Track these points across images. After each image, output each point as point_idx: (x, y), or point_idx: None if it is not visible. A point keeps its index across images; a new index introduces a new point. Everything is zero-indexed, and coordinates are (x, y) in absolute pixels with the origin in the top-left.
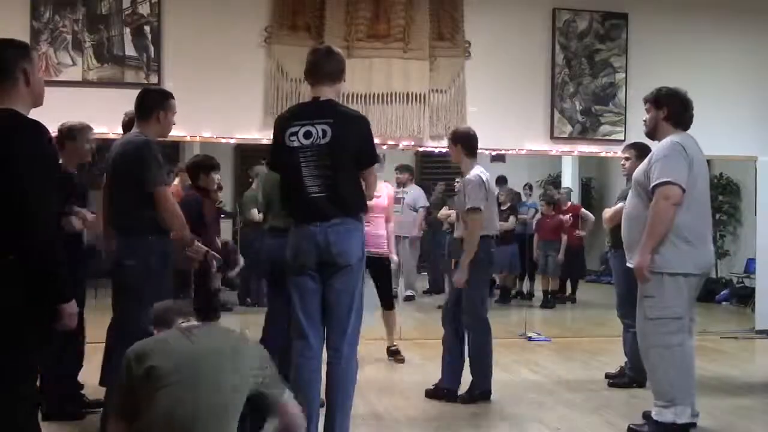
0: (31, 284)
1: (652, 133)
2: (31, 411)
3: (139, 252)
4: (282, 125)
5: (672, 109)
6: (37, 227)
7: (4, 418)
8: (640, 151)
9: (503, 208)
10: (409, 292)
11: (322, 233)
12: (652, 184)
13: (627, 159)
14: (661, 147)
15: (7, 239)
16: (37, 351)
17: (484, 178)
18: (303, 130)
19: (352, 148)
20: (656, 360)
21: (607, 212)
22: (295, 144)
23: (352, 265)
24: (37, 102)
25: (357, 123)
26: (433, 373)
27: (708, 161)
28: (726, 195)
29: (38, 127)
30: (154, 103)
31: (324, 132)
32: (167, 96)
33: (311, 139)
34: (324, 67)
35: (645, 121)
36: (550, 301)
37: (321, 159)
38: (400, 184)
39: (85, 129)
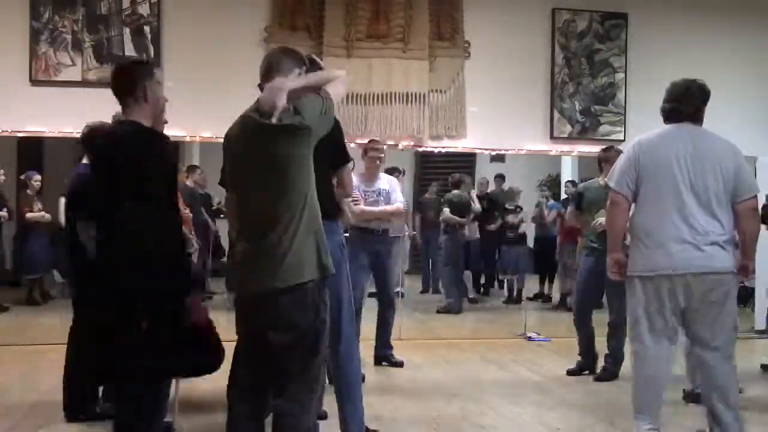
0: (158, 283)
1: None
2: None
3: None
4: None
5: (661, 106)
6: (166, 230)
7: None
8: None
9: (509, 207)
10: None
11: None
12: None
13: None
14: None
15: (135, 241)
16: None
17: None
18: None
19: (324, 149)
20: None
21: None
22: None
23: None
24: (158, 118)
25: None
26: (432, 373)
27: None
28: None
29: (162, 137)
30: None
31: None
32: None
33: None
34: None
35: None
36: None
37: None
38: None
39: None
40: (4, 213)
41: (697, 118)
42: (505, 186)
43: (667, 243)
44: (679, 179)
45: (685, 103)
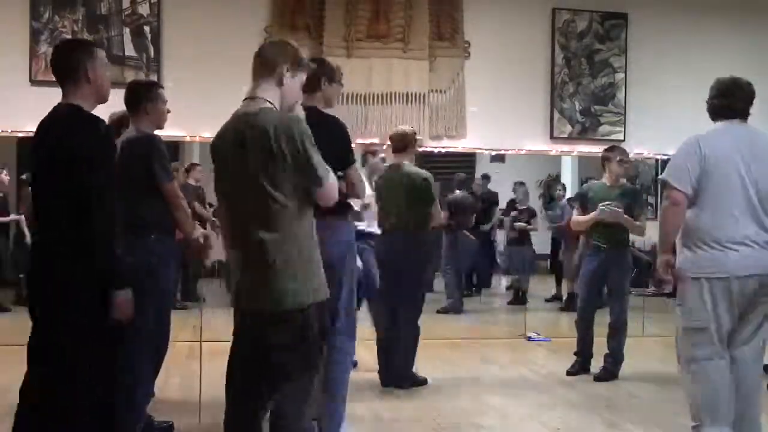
0: (89, 273)
1: None
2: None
3: (138, 250)
4: None
5: (708, 102)
6: (95, 218)
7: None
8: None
9: (521, 207)
10: None
11: None
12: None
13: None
14: None
15: (66, 229)
16: (104, 345)
17: None
18: None
19: (329, 149)
20: (683, 375)
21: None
22: None
23: (333, 264)
24: (101, 99)
25: (333, 125)
26: (432, 373)
27: None
28: None
29: (98, 122)
30: (138, 96)
31: None
32: (152, 86)
33: None
34: None
35: None
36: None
37: None
38: None
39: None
40: (15, 216)
41: (747, 115)
42: (491, 186)
43: (737, 243)
44: (745, 177)
45: (736, 99)
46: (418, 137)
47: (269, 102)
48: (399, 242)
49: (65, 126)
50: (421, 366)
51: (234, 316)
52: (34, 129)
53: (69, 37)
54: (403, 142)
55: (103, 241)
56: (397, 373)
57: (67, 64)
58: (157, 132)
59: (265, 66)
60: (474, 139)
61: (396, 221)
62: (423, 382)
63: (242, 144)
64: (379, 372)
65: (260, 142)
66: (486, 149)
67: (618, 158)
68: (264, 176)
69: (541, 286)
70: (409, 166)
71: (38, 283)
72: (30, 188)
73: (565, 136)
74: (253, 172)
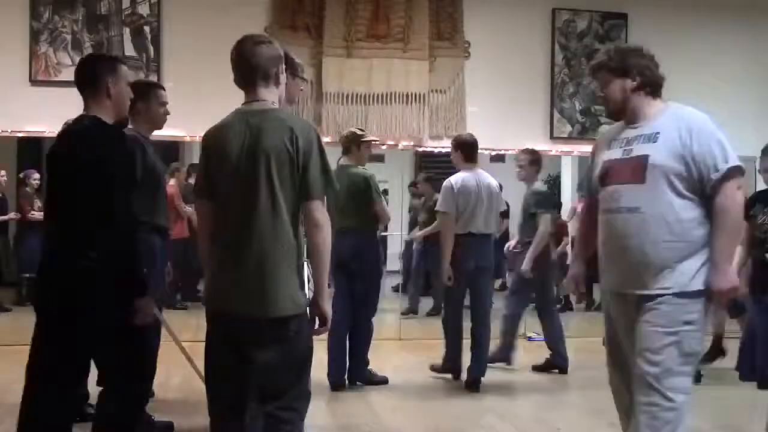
0: (114, 280)
1: (620, 112)
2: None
3: None
4: None
5: (642, 75)
6: (118, 226)
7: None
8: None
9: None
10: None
11: None
12: (720, 172)
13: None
14: (700, 120)
15: (90, 237)
16: (130, 345)
17: (452, 183)
18: None
19: None
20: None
21: None
22: None
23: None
24: (121, 113)
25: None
26: (432, 373)
27: None
28: None
29: (121, 133)
30: (134, 96)
31: None
32: (148, 87)
33: None
34: None
35: (603, 98)
36: (569, 303)
37: None
38: (418, 195)
39: None
40: (13, 215)
41: None
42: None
43: None
44: None
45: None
46: (369, 138)
47: (274, 103)
48: (348, 242)
49: (93, 138)
50: (421, 365)
51: (215, 317)
52: (34, 129)
53: (69, 37)
54: (346, 144)
55: (129, 251)
56: (354, 371)
57: (89, 77)
58: (156, 132)
59: (258, 70)
60: None
61: (341, 222)
62: (383, 381)
63: (254, 143)
64: (331, 373)
65: (277, 142)
66: (486, 149)
67: None
68: (276, 178)
69: None
70: (352, 167)
71: (55, 284)
72: (45, 193)
73: (565, 136)
74: (265, 172)
